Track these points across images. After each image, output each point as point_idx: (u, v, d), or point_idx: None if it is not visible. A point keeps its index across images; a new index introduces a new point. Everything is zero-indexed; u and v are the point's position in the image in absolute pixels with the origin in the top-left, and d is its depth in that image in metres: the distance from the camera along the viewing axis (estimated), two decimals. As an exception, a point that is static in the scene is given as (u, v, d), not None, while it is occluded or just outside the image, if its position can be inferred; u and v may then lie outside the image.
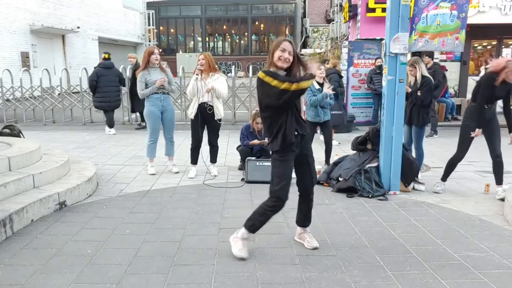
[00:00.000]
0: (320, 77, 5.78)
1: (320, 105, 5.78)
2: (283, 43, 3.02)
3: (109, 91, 9.00)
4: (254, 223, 3.25)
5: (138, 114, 9.84)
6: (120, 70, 10.35)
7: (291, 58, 3.02)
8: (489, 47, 12.52)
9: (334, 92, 6.02)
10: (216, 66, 5.41)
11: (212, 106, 5.24)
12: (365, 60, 9.95)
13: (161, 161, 5.96)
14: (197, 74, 5.17)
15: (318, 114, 5.81)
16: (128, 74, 9.82)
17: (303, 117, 3.29)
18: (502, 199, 4.40)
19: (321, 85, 5.85)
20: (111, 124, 9.13)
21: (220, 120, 5.39)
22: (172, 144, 5.73)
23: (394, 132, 4.75)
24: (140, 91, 5.42)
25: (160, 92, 5.44)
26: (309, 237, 3.42)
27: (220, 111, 5.35)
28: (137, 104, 9.06)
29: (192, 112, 5.31)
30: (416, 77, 5.29)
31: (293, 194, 4.78)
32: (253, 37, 31.35)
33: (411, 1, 4.64)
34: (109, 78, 8.98)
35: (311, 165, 3.30)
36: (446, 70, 10.68)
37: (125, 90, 9.96)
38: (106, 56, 9.26)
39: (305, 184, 3.35)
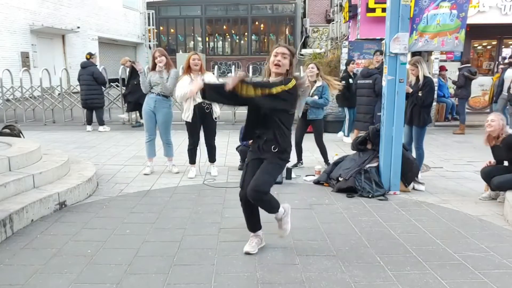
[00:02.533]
0: (310, 75, 5.77)
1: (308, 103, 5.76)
2: (276, 48, 3.01)
3: (82, 89, 9.49)
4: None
5: (138, 113, 9.90)
6: (120, 70, 10.39)
7: (283, 60, 2.97)
8: (489, 47, 12.51)
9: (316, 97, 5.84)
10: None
11: (210, 105, 5.23)
12: (365, 60, 9.94)
13: (161, 161, 5.96)
14: (191, 73, 5.13)
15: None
16: (126, 74, 9.87)
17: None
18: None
19: (312, 83, 5.84)
20: (100, 122, 9.50)
21: (216, 119, 5.39)
22: (169, 146, 5.70)
23: (394, 132, 4.74)
24: (141, 85, 5.50)
25: (156, 93, 5.42)
26: (279, 225, 3.33)
27: (217, 109, 5.36)
28: (134, 97, 9.12)
29: (188, 115, 5.20)
30: (417, 77, 5.28)
31: (292, 194, 4.80)
32: (253, 37, 31.33)
33: (411, 1, 4.64)
34: (83, 77, 9.38)
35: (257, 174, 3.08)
36: (446, 70, 10.67)
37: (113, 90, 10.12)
38: (86, 56, 9.63)
39: None
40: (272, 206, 3.18)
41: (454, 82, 9.60)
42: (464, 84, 9.21)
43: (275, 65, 2.96)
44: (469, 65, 9.58)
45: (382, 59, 8.48)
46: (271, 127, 3.01)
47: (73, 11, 20.79)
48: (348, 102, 8.18)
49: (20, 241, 3.45)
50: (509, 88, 8.16)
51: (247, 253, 3.21)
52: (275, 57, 2.98)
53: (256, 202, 3.07)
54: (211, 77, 5.26)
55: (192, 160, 5.53)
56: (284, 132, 3.03)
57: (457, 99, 9.61)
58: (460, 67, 9.50)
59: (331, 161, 5.70)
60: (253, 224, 3.31)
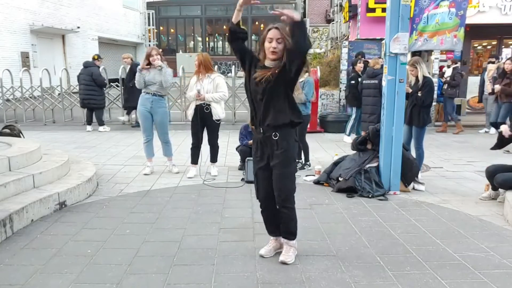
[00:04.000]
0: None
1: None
2: (270, 33, 2.81)
3: (81, 88, 9.52)
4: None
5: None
6: (120, 70, 10.39)
7: (279, 46, 2.80)
8: (489, 47, 12.52)
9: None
10: (212, 66, 5.37)
11: (209, 106, 5.26)
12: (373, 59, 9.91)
13: (161, 161, 5.96)
14: (199, 73, 5.23)
15: None
16: (126, 73, 9.88)
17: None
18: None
19: None
20: (100, 123, 9.52)
21: (218, 120, 5.39)
22: (168, 145, 5.71)
23: (394, 132, 4.74)
24: (136, 81, 5.45)
25: (151, 93, 5.42)
26: (286, 249, 3.15)
27: (217, 111, 5.31)
28: (132, 100, 9.12)
29: (190, 113, 5.36)
30: (416, 77, 5.28)
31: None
32: (253, 37, 31.32)
33: (411, 1, 4.63)
34: (82, 76, 9.41)
35: (277, 179, 2.97)
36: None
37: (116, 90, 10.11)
38: (93, 56, 9.70)
39: (275, 195, 3.05)
40: (294, 225, 3.11)
41: (449, 82, 9.48)
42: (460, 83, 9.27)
43: (272, 52, 2.81)
44: (457, 65, 9.66)
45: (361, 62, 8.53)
46: (280, 104, 2.87)
47: (73, 11, 20.78)
48: (358, 102, 8.12)
49: (20, 241, 3.45)
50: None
51: (261, 256, 3.17)
52: (269, 43, 2.82)
53: (287, 208, 3.03)
54: (208, 83, 5.23)
55: (194, 160, 5.53)
56: (288, 109, 2.90)
57: (444, 99, 9.52)
58: (454, 66, 9.51)
59: (331, 161, 5.69)
60: (272, 229, 3.23)
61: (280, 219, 3.10)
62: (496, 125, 7.32)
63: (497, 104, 7.51)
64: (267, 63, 2.90)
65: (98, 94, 9.48)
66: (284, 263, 3.06)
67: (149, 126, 5.56)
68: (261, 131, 2.95)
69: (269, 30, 2.84)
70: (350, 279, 2.86)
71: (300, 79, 5.72)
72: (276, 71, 2.83)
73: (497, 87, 7.18)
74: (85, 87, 9.33)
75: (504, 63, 7.49)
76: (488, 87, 8.59)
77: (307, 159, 5.97)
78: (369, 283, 2.82)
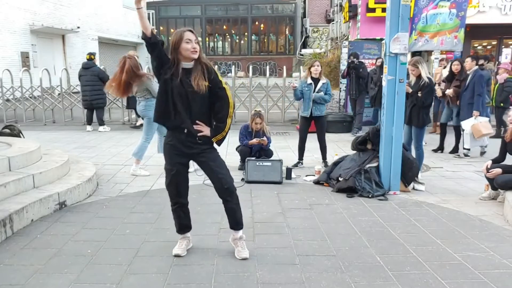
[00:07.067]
0: (315, 73, 5.83)
1: (314, 100, 5.83)
2: (186, 34, 2.90)
3: (86, 90, 9.46)
4: (175, 224, 3.34)
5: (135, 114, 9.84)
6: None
7: (197, 46, 2.91)
8: (489, 47, 12.53)
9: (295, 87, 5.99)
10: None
11: None
12: (365, 60, 9.94)
13: (161, 161, 5.95)
14: None
15: (306, 108, 5.94)
16: None
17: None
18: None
19: (316, 80, 5.86)
20: (100, 123, 9.51)
21: None
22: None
23: (394, 132, 4.74)
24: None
25: None
26: (241, 246, 3.22)
27: None
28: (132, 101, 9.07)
29: None
30: (417, 77, 5.28)
31: (292, 194, 4.80)
32: (253, 37, 31.28)
33: (411, 1, 4.64)
34: (86, 77, 9.37)
35: (215, 170, 3.23)
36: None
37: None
38: (88, 57, 9.63)
39: (216, 189, 3.28)
40: (240, 212, 3.28)
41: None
42: None
43: (192, 52, 2.89)
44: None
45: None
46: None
47: (73, 11, 20.77)
48: None
49: (20, 241, 3.45)
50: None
51: (177, 255, 3.19)
52: (188, 43, 2.88)
53: (232, 196, 3.26)
54: None
55: None
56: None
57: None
58: (446, 65, 9.54)
59: (331, 161, 5.70)
60: (186, 226, 3.37)
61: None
62: (444, 126, 7.43)
63: (448, 107, 7.50)
64: (185, 65, 2.95)
65: (102, 93, 9.47)
66: (246, 258, 3.14)
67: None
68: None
69: (183, 32, 2.93)
70: (350, 279, 2.86)
71: (323, 81, 5.89)
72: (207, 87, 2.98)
73: (450, 91, 7.15)
74: (91, 87, 9.30)
75: (452, 64, 7.43)
76: (438, 91, 8.57)
77: (325, 157, 6.11)
78: (369, 283, 2.82)
